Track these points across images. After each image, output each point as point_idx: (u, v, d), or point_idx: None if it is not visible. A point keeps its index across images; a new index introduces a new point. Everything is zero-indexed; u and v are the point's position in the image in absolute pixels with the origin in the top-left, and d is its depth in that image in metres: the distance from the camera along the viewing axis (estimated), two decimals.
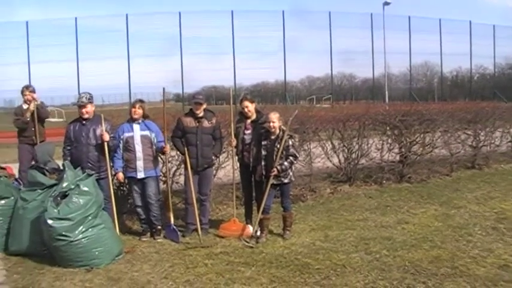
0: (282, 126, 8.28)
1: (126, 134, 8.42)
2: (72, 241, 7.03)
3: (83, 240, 7.10)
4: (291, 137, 8.28)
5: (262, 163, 8.28)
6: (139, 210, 8.59)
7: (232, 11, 31.29)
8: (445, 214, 9.55)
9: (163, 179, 9.48)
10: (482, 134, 14.78)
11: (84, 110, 8.39)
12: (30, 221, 7.67)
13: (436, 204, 10.34)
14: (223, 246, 7.98)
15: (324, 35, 33.75)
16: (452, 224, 8.86)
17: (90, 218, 7.24)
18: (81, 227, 7.13)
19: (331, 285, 6.31)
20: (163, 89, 8.85)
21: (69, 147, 8.49)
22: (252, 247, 7.88)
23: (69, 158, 8.37)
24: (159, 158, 8.88)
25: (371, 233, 8.47)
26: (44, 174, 8.08)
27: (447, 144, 13.87)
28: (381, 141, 12.92)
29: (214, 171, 9.79)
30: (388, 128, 12.89)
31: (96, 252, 7.18)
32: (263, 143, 8.29)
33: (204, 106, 8.65)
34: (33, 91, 9.97)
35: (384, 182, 12.51)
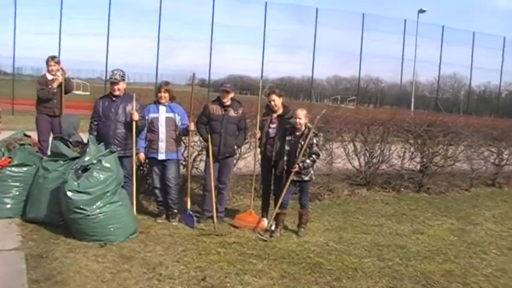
0: (308, 124, 8.26)
1: (152, 115, 8.46)
2: (89, 215, 7.10)
3: (100, 215, 7.17)
4: (316, 135, 8.26)
5: (285, 158, 8.26)
6: (157, 191, 8.63)
7: (266, 2, 30.99)
8: (461, 229, 9.49)
9: (184, 163, 9.51)
10: (506, 152, 14.60)
11: (116, 87, 8.45)
12: (49, 190, 7.75)
13: (453, 218, 10.28)
14: (237, 237, 8.00)
15: (355, 36, 33.47)
16: (468, 239, 8.80)
17: (108, 194, 7.29)
18: (99, 202, 7.19)
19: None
20: (194, 74, 8.87)
21: (96, 122, 8.55)
22: (265, 240, 7.89)
23: (95, 133, 8.45)
24: (181, 142, 8.90)
25: (385, 240, 8.44)
26: (68, 146, 8.16)
27: (469, 159, 13.76)
28: (403, 149, 12.85)
29: (235, 161, 9.79)
30: (411, 136, 12.80)
31: (112, 229, 7.25)
32: (287, 138, 8.27)
33: (232, 95, 8.65)
34: (58, 62, 9.99)
35: (402, 189, 12.47)
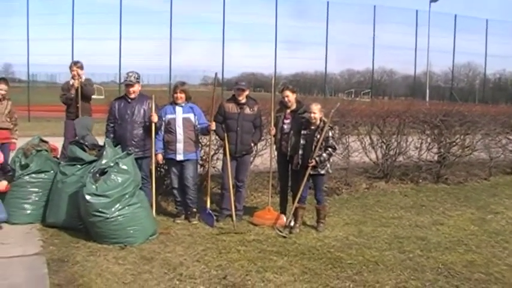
0: (323, 118, 8.24)
1: (169, 116, 8.45)
2: (108, 218, 7.13)
3: (119, 217, 7.19)
4: (331, 128, 8.24)
5: (300, 152, 8.24)
6: (175, 192, 8.64)
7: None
8: (482, 219, 9.42)
9: (201, 162, 9.51)
10: None
11: (131, 89, 8.48)
12: (68, 194, 7.81)
13: (473, 208, 10.21)
14: (256, 234, 8.00)
15: (367, 28, 33.29)
16: (489, 229, 8.73)
17: (127, 196, 7.32)
18: (118, 204, 7.22)
19: (363, 281, 6.25)
20: (216, 74, 8.83)
21: (112, 125, 8.61)
22: (285, 237, 7.88)
23: (111, 135, 8.50)
24: (199, 142, 8.89)
25: (405, 232, 8.40)
26: (84, 150, 8.21)
27: (487, 148, 13.67)
28: (420, 140, 12.80)
29: (252, 159, 9.78)
30: (428, 127, 12.73)
31: (131, 231, 7.27)
32: (303, 132, 8.25)
33: (247, 93, 8.65)
34: (81, 67, 9.99)
35: (421, 181, 12.43)
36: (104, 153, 7.66)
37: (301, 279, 6.26)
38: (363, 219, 9.14)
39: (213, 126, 8.34)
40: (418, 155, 12.74)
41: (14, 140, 9.46)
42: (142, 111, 8.44)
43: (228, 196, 8.50)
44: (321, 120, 8.18)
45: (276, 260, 6.85)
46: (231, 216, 8.42)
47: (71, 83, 9.89)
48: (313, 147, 8.07)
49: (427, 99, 37.76)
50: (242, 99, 8.56)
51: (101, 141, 8.56)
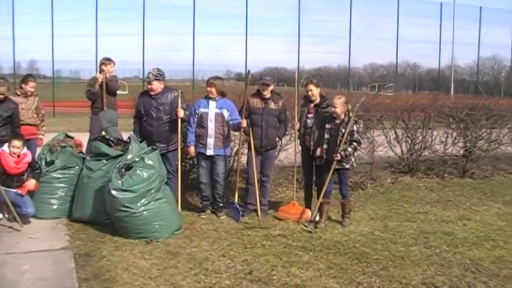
0: (348, 112, 8.18)
1: (201, 110, 8.46)
2: (134, 213, 7.17)
3: (145, 212, 7.23)
4: (356, 122, 8.18)
5: (324, 146, 8.20)
6: (203, 187, 8.64)
7: None
8: (509, 214, 9.31)
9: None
10: None
11: (149, 87, 8.51)
12: (94, 190, 7.88)
13: (500, 203, 10.09)
14: (281, 229, 7.99)
15: (391, 22, 32.99)
16: None
17: (152, 191, 7.35)
18: (144, 199, 7.25)
19: (389, 277, 6.21)
20: (248, 71, 8.80)
21: (138, 119, 8.68)
22: (310, 232, 7.86)
23: (137, 130, 8.56)
24: (230, 137, 8.93)
25: (431, 227, 8.33)
26: (109, 145, 8.26)
27: None
28: (445, 134, 12.68)
29: (276, 153, 9.76)
30: (453, 121, 12.61)
31: (157, 226, 7.30)
32: (327, 126, 8.19)
33: (272, 87, 8.61)
34: (109, 63, 10.10)
35: (446, 175, 12.31)
36: (129, 148, 7.70)
37: (327, 275, 6.23)
38: (388, 214, 9.08)
39: (244, 123, 8.27)
40: (444, 149, 12.64)
41: (40, 136, 9.56)
42: (167, 106, 8.45)
43: (253, 191, 8.49)
44: (345, 114, 8.12)
45: (301, 255, 6.84)
46: (256, 211, 8.41)
47: (100, 79, 9.94)
48: (338, 141, 8.03)
49: (452, 93, 37.41)
50: (267, 94, 8.54)
51: (125, 136, 8.63)
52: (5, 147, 7.89)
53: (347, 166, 8.21)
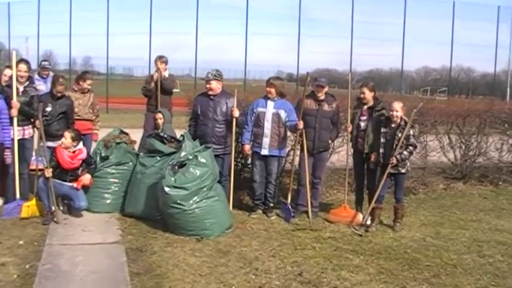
0: (404, 117, 8.08)
1: (259, 109, 8.49)
2: (186, 210, 7.23)
3: (196, 210, 7.28)
4: (412, 126, 8.07)
5: (380, 150, 8.11)
6: (256, 186, 8.65)
7: None
8: None
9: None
10: None
11: (208, 86, 8.55)
12: (147, 186, 7.98)
13: None
14: (331, 231, 7.95)
15: (445, 25, 32.40)
16: None
17: (205, 189, 7.40)
18: (196, 197, 7.31)
19: (441, 285, 6.11)
20: (307, 73, 8.73)
21: (194, 121, 8.74)
22: (360, 235, 7.80)
23: (193, 130, 8.64)
24: (286, 138, 8.92)
25: (485, 236, 8.15)
26: (163, 142, 8.35)
27: None
28: (500, 141, 12.40)
29: (328, 155, 9.69)
30: (510, 128, 12.32)
31: (208, 223, 7.35)
32: (382, 130, 8.11)
33: (326, 89, 8.57)
34: (165, 62, 10.22)
35: (501, 183, 12.04)
36: (183, 146, 7.78)
37: (377, 279, 6.17)
38: (440, 220, 8.93)
39: (301, 125, 8.23)
40: (499, 156, 12.36)
41: (95, 131, 9.74)
42: (224, 108, 8.49)
43: (305, 192, 8.47)
44: (401, 118, 8.02)
45: (351, 259, 6.78)
46: (306, 212, 8.40)
47: (154, 77, 10.07)
48: (394, 145, 7.94)
49: (508, 98, 36.58)
50: (321, 95, 8.50)
51: (178, 133, 8.72)
52: (60, 142, 8.08)
53: (403, 170, 8.10)
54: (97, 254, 6.62)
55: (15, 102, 8.05)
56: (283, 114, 8.43)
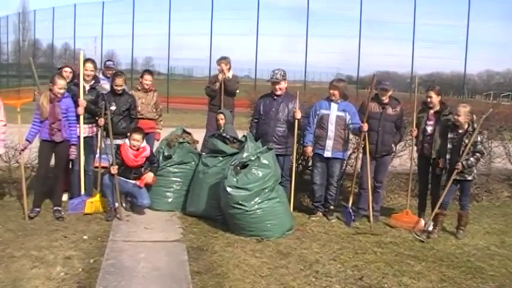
0: (473, 122, 7.89)
1: (323, 111, 8.44)
2: (247, 211, 7.25)
3: (258, 211, 7.30)
4: (480, 133, 7.88)
5: (447, 156, 7.95)
6: (316, 188, 8.60)
7: None
8: None
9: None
10: None
11: (277, 87, 8.58)
12: (209, 185, 8.05)
13: None
14: (392, 236, 7.84)
15: (510, 26, 31.54)
16: None
17: (266, 190, 7.40)
18: (258, 198, 7.32)
19: None
20: (373, 75, 8.62)
21: (256, 121, 8.77)
22: (422, 241, 7.66)
23: (254, 131, 8.67)
24: (349, 141, 8.88)
25: None
26: (225, 142, 8.40)
27: None
28: None
29: (390, 159, 9.57)
30: None
31: (269, 225, 7.36)
32: (449, 135, 7.94)
33: (390, 93, 8.45)
34: (227, 62, 10.28)
35: None
36: (245, 146, 7.81)
37: (440, 287, 6.05)
38: (505, 229, 8.70)
39: (365, 127, 8.16)
40: None
41: (158, 130, 9.85)
42: (287, 109, 8.51)
43: (366, 196, 8.39)
44: (469, 124, 7.83)
45: (413, 265, 6.68)
46: (367, 216, 8.33)
47: (219, 77, 10.14)
48: (461, 151, 7.78)
49: None
50: (385, 99, 8.40)
51: (239, 133, 8.76)
52: (127, 140, 8.22)
53: (469, 178, 7.91)
54: (159, 252, 6.71)
55: (82, 101, 8.25)
56: (346, 116, 8.37)
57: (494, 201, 10.72)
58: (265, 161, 7.54)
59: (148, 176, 8.24)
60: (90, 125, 8.62)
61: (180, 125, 10.29)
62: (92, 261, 6.28)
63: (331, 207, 8.60)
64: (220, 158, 8.18)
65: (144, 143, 8.37)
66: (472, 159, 7.74)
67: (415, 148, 8.78)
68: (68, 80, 8.48)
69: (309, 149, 8.59)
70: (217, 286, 5.75)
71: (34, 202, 8.11)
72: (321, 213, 8.63)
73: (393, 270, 6.44)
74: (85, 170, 8.52)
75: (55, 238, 7.01)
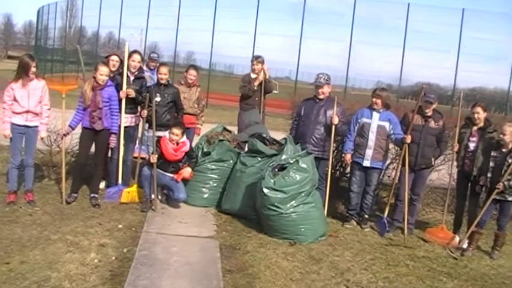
0: None
1: (364, 120, 8.39)
2: (282, 213, 7.26)
3: (293, 214, 7.29)
4: None
5: (488, 175, 7.82)
6: (352, 195, 8.56)
7: (463, 9, 29.61)
8: None
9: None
10: None
11: (320, 91, 8.59)
12: (246, 185, 8.09)
13: None
14: (426, 251, 7.75)
15: None
16: None
17: (303, 194, 7.39)
18: (293, 201, 7.32)
19: None
20: (422, 87, 8.53)
21: (296, 122, 8.79)
22: (456, 258, 7.56)
23: (294, 132, 8.68)
24: (388, 151, 8.82)
25: None
26: (265, 143, 8.42)
27: None
28: None
29: (429, 173, 9.44)
30: None
31: (302, 229, 7.34)
32: (492, 154, 7.81)
33: (434, 106, 8.35)
34: (262, 62, 10.21)
35: None
36: (285, 149, 7.83)
37: None
38: None
39: (409, 139, 8.06)
40: None
41: (199, 126, 9.89)
42: (327, 113, 8.49)
43: (402, 208, 8.33)
44: None
45: (445, 282, 6.60)
46: (401, 228, 8.25)
47: (252, 76, 10.11)
48: (503, 171, 7.64)
49: None
50: (429, 111, 8.30)
51: (273, 134, 8.75)
52: (167, 133, 8.28)
53: (509, 198, 7.74)
54: (192, 247, 6.75)
55: (128, 90, 8.34)
56: (388, 126, 8.31)
57: None
58: (303, 165, 7.52)
59: (186, 171, 8.28)
60: (132, 115, 8.70)
61: (219, 122, 10.33)
62: (125, 250, 6.36)
63: (366, 216, 8.54)
64: (259, 159, 8.20)
65: (184, 138, 8.41)
66: None
67: (454, 163, 8.66)
68: (114, 69, 8.58)
69: (348, 157, 8.53)
70: (248, 286, 5.76)
71: (72, 188, 8.26)
72: (354, 222, 8.59)
73: (425, 286, 6.38)
74: (123, 160, 8.62)
75: (90, 225, 7.12)
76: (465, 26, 29.93)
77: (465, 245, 7.94)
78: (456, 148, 8.32)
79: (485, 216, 7.85)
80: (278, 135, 9.10)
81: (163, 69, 8.91)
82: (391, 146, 8.87)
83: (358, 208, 8.59)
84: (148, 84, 9.08)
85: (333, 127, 8.41)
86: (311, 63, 34.53)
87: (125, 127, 8.53)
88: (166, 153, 8.22)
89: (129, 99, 8.43)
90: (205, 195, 8.60)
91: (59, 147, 8.99)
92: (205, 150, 8.77)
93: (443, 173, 9.76)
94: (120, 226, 7.22)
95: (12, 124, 7.52)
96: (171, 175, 8.28)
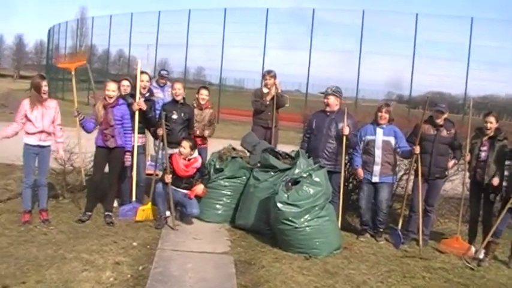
0: None
1: (368, 137, 8.40)
2: (296, 227, 7.25)
3: (307, 228, 7.29)
4: None
5: (504, 184, 7.78)
6: (362, 212, 8.53)
7: (472, 18, 29.54)
8: None
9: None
10: None
11: (325, 100, 8.60)
12: (259, 200, 8.09)
13: None
14: (442, 262, 7.70)
15: None
16: None
17: (317, 208, 7.39)
18: (307, 215, 7.32)
19: None
20: (427, 97, 8.55)
21: (308, 136, 8.78)
22: (472, 269, 7.49)
23: (305, 145, 8.68)
24: (397, 165, 8.80)
25: None
26: (277, 158, 8.42)
27: None
28: None
29: (443, 183, 9.39)
30: None
31: (317, 243, 7.33)
32: (506, 162, 7.77)
33: (446, 115, 8.33)
34: (274, 76, 10.20)
35: None
36: (297, 163, 7.84)
37: None
38: None
39: (417, 150, 8.08)
40: None
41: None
42: (339, 126, 8.46)
43: (416, 219, 8.30)
44: None
45: None
46: (416, 239, 8.20)
47: (264, 91, 10.10)
48: None
49: None
50: (440, 121, 8.29)
51: (283, 147, 8.72)
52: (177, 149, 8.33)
53: None
54: (206, 263, 6.75)
55: (140, 103, 8.43)
56: (393, 141, 8.33)
57: None
58: (317, 179, 7.52)
59: (199, 188, 8.30)
60: (140, 135, 8.74)
61: (230, 137, 10.34)
62: (140, 268, 6.37)
63: (381, 229, 8.51)
64: (272, 173, 8.21)
65: (196, 154, 8.44)
66: None
67: (467, 173, 8.61)
68: (125, 93, 8.62)
69: (360, 171, 8.47)
70: None
71: (86, 206, 8.30)
72: (369, 235, 8.56)
73: None
74: (137, 181, 8.67)
75: (105, 243, 7.14)
76: (474, 35, 29.87)
77: (481, 255, 7.88)
78: (468, 158, 8.28)
79: (502, 226, 7.80)
80: (290, 149, 9.07)
81: (178, 86, 8.98)
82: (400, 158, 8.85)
83: (371, 223, 8.56)
84: (157, 101, 9.11)
85: (344, 138, 8.40)
86: (321, 76, 34.55)
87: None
88: (178, 169, 8.26)
89: (138, 119, 8.48)
90: (219, 212, 8.62)
91: (73, 166, 9.06)
92: (217, 166, 8.80)
93: (456, 183, 9.71)
94: (134, 244, 7.23)
95: (26, 145, 7.60)
96: (184, 191, 8.30)
